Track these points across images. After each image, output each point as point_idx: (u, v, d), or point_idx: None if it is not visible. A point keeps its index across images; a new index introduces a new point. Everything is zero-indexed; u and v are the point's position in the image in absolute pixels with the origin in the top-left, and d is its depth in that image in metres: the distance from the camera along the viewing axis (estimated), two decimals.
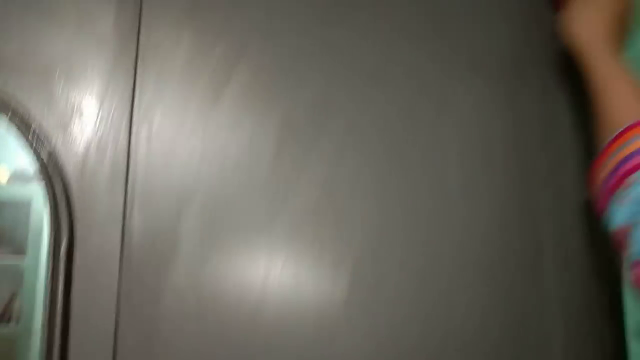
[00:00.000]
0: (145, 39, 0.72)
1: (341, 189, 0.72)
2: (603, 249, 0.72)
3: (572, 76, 0.73)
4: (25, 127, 0.69)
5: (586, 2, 0.66)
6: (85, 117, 0.70)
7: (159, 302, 0.67)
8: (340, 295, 0.69)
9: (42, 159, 0.68)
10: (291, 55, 0.74)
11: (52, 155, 0.68)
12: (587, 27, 0.65)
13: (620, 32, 0.66)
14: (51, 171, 0.67)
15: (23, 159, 2.54)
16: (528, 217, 0.74)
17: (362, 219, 0.72)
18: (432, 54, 0.76)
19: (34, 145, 0.68)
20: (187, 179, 0.70)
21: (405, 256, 0.72)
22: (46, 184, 0.68)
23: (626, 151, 0.56)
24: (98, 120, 0.70)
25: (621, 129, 0.58)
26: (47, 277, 0.66)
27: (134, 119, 0.70)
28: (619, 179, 0.56)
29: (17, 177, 2.59)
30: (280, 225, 0.70)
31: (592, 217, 0.67)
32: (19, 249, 2.58)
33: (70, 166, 0.69)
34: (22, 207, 2.62)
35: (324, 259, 0.70)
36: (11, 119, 0.69)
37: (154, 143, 0.70)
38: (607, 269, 0.73)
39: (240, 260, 0.69)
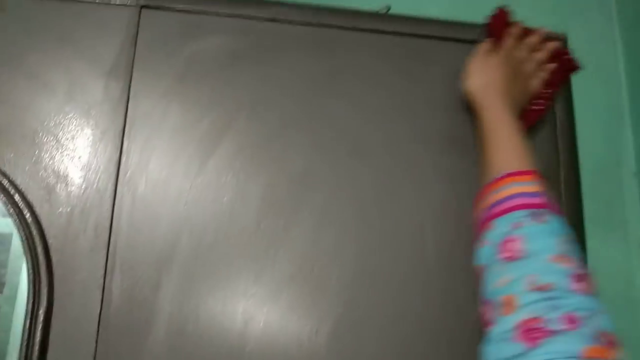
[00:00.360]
0: (134, 108, 0.74)
1: (320, 261, 0.73)
2: None
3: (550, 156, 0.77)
4: (7, 194, 0.70)
5: (482, 61, 0.75)
6: (70, 184, 0.71)
7: None
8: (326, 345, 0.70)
9: (24, 226, 0.69)
10: (276, 127, 0.77)
11: (34, 220, 0.69)
12: (480, 81, 0.73)
13: (513, 88, 0.73)
14: (33, 236, 0.68)
15: None
16: None
17: (340, 291, 0.73)
18: (412, 130, 0.79)
19: (17, 212, 0.69)
20: (169, 247, 0.71)
21: (381, 327, 0.73)
22: (27, 249, 0.68)
23: (496, 197, 0.62)
24: (83, 187, 0.72)
25: (495, 177, 0.64)
26: (22, 341, 0.66)
27: (119, 186, 0.72)
28: (486, 221, 0.62)
29: None
30: (259, 293, 0.71)
31: None
32: None
33: (53, 231, 0.70)
34: (2, 241, 2.59)
35: (302, 327, 0.71)
36: None
37: (138, 210, 0.72)
38: None
39: (218, 328, 0.70)
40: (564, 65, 0.80)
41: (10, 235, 2.64)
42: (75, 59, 0.75)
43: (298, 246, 0.74)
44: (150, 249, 0.71)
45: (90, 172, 0.72)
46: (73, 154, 0.72)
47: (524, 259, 0.54)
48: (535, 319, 0.49)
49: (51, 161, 0.72)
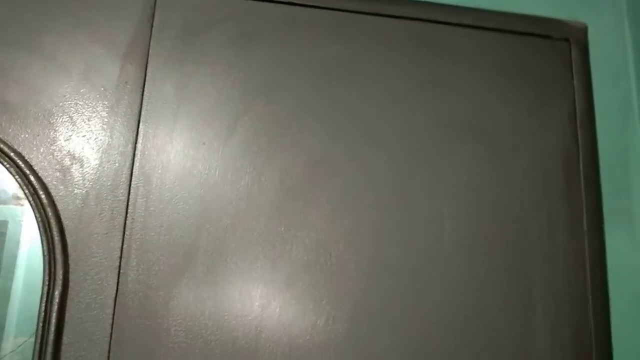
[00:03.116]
0: (150, 91, 0.74)
1: (337, 247, 0.73)
2: (597, 310, 0.75)
3: (566, 141, 0.77)
4: (24, 174, 0.69)
5: None
6: (86, 165, 0.71)
7: (152, 353, 0.66)
8: (334, 351, 0.70)
9: (39, 207, 0.68)
10: (293, 112, 0.76)
11: (50, 202, 0.68)
12: None
13: None
14: (48, 219, 0.68)
15: (1, 180, 2.51)
16: (521, 277, 0.76)
17: (357, 277, 0.73)
18: (429, 117, 0.79)
19: (32, 192, 0.69)
20: (186, 231, 0.71)
21: (399, 314, 0.73)
22: (42, 231, 0.68)
23: None
24: (99, 169, 0.71)
25: None
26: (38, 322, 0.65)
27: (135, 169, 0.71)
28: None
29: None
30: (276, 279, 0.71)
31: (584, 280, 0.70)
32: None
33: (68, 214, 0.69)
34: None
35: (318, 314, 0.71)
36: (9, 166, 0.69)
37: (154, 194, 0.71)
38: (597, 333, 0.75)
39: (235, 312, 0.70)
40: None
41: (5, 223, 2.63)
42: (91, 42, 0.74)
43: (315, 232, 0.73)
44: (167, 233, 0.71)
45: (106, 154, 0.71)
46: (88, 136, 0.72)
47: None
48: None
49: (66, 142, 0.71)
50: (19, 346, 2.41)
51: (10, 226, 2.54)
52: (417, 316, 0.73)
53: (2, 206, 2.52)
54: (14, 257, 2.52)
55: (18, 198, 2.47)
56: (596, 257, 0.78)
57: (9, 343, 2.41)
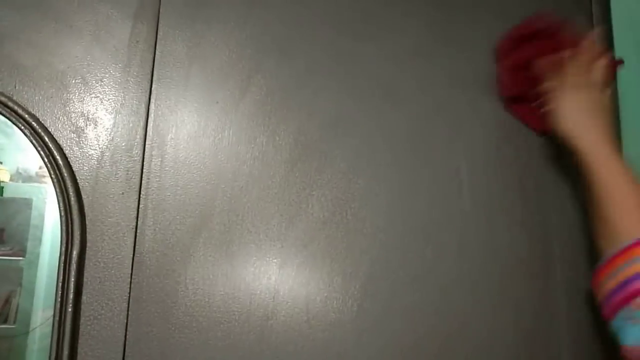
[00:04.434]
0: (162, 51, 0.73)
1: (353, 206, 0.72)
2: None
3: None
4: (38, 136, 0.69)
5: (573, 99, 0.65)
6: (100, 127, 0.70)
7: (170, 311, 0.67)
8: (351, 308, 0.70)
9: (55, 168, 0.68)
10: (306, 70, 0.75)
11: (65, 163, 0.68)
12: (586, 128, 0.64)
13: (606, 123, 0.65)
14: (64, 179, 0.68)
15: (25, 159, 2.55)
16: (539, 233, 0.74)
17: (374, 235, 0.72)
18: (446, 74, 0.77)
19: (47, 153, 0.68)
20: (201, 191, 0.70)
21: (417, 271, 0.72)
22: (58, 192, 0.68)
23: (633, 269, 0.55)
24: (113, 129, 0.70)
25: (626, 244, 0.56)
26: (57, 282, 0.66)
27: (149, 130, 0.71)
28: (628, 295, 0.55)
29: (18, 176, 2.60)
30: (292, 237, 0.70)
31: None
32: (19, 248, 2.57)
33: (84, 174, 0.69)
34: (22, 206, 2.62)
35: (335, 272, 0.71)
36: (24, 128, 0.69)
37: (169, 153, 0.71)
38: None
39: (251, 271, 0.70)
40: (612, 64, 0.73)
41: (30, 200, 2.66)
42: (101, 2, 0.73)
43: (331, 191, 0.72)
44: (183, 192, 0.70)
45: (120, 115, 0.71)
46: (102, 96, 0.71)
47: None
48: None
49: (80, 103, 0.71)
50: (48, 319, 2.48)
51: (35, 203, 2.60)
52: (435, 273, 0.72)
53: (26, 184, 2.57)
54: (39, 234, 2.57)
55: (41, 176, 2.51)
56: None
57: (38, 316, 2.48)
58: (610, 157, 0.61)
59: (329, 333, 0.69)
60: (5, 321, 2.51)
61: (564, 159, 0.76)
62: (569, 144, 0.65)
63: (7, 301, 2.57)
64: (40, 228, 2.62)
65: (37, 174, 2.54)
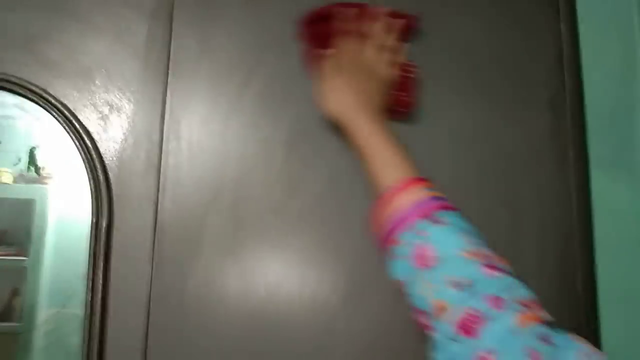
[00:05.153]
0: (176, 48, 0.83)
1: (346, 179, 0.82)
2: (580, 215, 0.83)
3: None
4: (69, 123, 0.78)
5: (332, 79, 0.72)
6: (123, 114, 0.80)
7: (188, 272, 0.76)
8: (343, 285, 0.79)
9: (84, 150, 0.78)
10: (298, 62, 0.84)
11: (93, 146, 0.78)
12: (338, 101, 0.70)
13: (372, 91, 0.71)
14: (93, 160, 0.77)
15: (25, 162, 2.62)
16: (510, 204, 0.84)
17: (364, 212, 0.82)
18: (431, 56, 0.86)
19: (77, 137, 0.78)
20: (212, 168, 0.80)
21: None
22: (89, 171, 0.77)
23: (392, 211, 0.62)
24: (134, 117, 0.80)
25: (387, 191, 0.63)
26: (89, 250, 0.75)
27: (166, 116, 0.81)
28: (389, 236, 0.62)
29: (21, 178, 2.66)
30: (294, 206, 0.80)
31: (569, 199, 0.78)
32: (22, 248, 2.64)
33: (109, 155, 0.79)
34: (25, 207, 2.69)
35: (327, 248, 0.80)
36: (57, 116, 0.79)
37: (183, 138, 0.81)
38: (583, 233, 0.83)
39: (259, 234, 0.79)
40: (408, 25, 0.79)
41: (32, 201, 2.74)
42: (121, 4, 0.83)
43: (326, 168, 0.82)
44: (197, 170, 0.80)
45: (140, 103, 0.80)
46: (124, 88, 0.81)
47: (438, 263, 0.56)
48: (468, 312, 0.51)
49: (104, 94, 0.80)
50: (51, 317, 2.55)
51: (37, 205, 2.67)
52: None
53: (28, 185, 2.64)
54: (42, 234, 2.64)
55: (43, 177, 2.59)
56: (579, 185, 0.85)
57: (43, 314, 2.55)
58: (372, 127, 0.68)
59: (319, 310, 0.79)
60: (10, 319, 2.58)
61: (532, 138, 0.86)
62: (335, 122, 0.73)
63: (12, 300, 2.64)
64: (43, 228, 2.69)
65: (39, 175, 2.61)
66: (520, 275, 0.82)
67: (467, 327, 0.51)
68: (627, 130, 0.96)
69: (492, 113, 0.86)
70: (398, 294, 0.79)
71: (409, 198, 0.62)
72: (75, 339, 2.55)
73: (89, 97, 0.80)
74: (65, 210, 2.64)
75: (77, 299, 2.57)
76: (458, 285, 0.54)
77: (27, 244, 2.71)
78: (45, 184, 2.66)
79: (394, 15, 0.79)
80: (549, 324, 0.51)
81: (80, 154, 0.77)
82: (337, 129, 0.74)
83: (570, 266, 0.83)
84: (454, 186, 0.82)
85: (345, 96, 0.70)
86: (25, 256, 2.67)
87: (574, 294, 0.83)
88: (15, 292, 2.65)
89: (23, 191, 2.70)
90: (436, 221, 0.59)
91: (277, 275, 0.79)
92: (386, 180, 0.64)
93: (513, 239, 0.83)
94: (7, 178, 2.64)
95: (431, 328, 0.56)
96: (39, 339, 2.62)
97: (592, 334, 0.82)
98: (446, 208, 0.61)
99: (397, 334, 0.78)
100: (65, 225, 2.63)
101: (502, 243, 0.81)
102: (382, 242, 0.64)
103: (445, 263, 0.56)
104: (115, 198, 0.77)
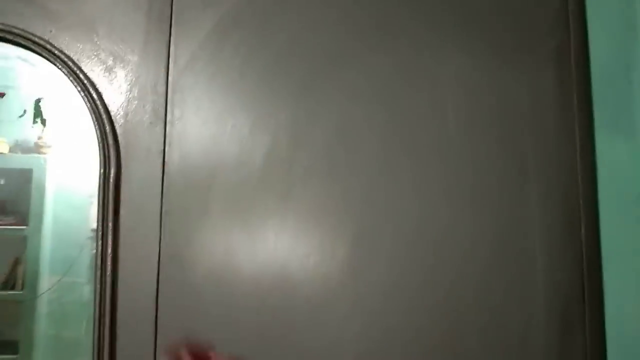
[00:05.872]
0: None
1: (352, 132, 0.82)
2: (585, 180, 0.84)
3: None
4: (74, 74, 0.78)
5: None
6: (127, 66, 0.79)
7: (197, 220, 0.77)
8: (350, 237, 0.80)
9: (90, 101, 0.77)
10: (303, 13, 0.84)
11: (98, 97, 0.78)
12: None
13: None
14: (99, 110, 0.77)
15: (23, 132, 2.59)
16: (515, 153, 0.85)
17: (371, 157, 0.82)
18: (429, 14, 0.86)
19: (83, 88, 0.78)
20: (217, 124, 0.80)
21: (407, 184, 0.82)
22: (95, 122, 0.77)
23: None
24: (139, 68, 0.80)
25: None
26: (98, 200, 0.76)
27: (170, 67, 0.80)
28: None
29: (18, 147, 2.65)
30: (299, 157, 0.80)
31: (574, 150, 0.79)
32: (22, 217, 2.63)
33: (115, 106, 0.78)
34: (23, 177, 2.68)
35: (335, 201, 0.80)
36: (61, 67, 0.78)
37: (188, 88, 0.80)
38: (586, 200, 0.84)
39: (264, 181, 0.80)
40: None
41: (30, 171, 2.73)
42: None
43: (330, 120, 0.82)
44: (202, 119, 0.80)
45: (144, 54, 0.80)
46: (127, 39, 0.80)
47: None
48: None
49: (108, 45, 0.80)
50: (54, 285, 2.57)
51: (35, 174, 2.66)
52: (420, 188, 0.82)
53: (25, 155, 2.63)
54: (41, 203, 2.64)
55: (40, 147, 2.57)
56: (584, 138, 0.86)
57: (45, 282, 2.56)
58: None
59: (321, 280, 0.80)
60: (13, 287, 2.59)
61: (538, 93, 0.86)
62: None
63: (14, 268, 2.65)
64: (41, 197, 2.68)
65: (36, 144, 2.58)
66: (523, 221, 0.84)
67: None
68: (625, 89, 0.96)
69: (497, 62, 0.85)
70: (408, 240, 0.81)
71: None
72: (77, 306, 2.58)
73: (93, 49, 0.79)
74: (65, 180, 2.64)
75: (78, 267, 2.59)
76: None
77: (26, 213, 2.71)
78: (44, 153, 2.64)
79: None
80: None
81: (86, 104, 0.77)
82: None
83: (575, 213, 0.84)
84: (459, 135, 0.83)
85: None
86: (24, 225, 2.66)
87: (577, 244, 0.84)
88: (17, 261, 2.66)
89: (20, 161, 2.68)
90: None
91: (285, 229, 0.80)
92: None
93: (518, 187, 0.84)
94: (3, 147, 2.62)
95: None
96: (42, 307, 2.64)
97: (594, 282, 0.84)
98: None
99: (408, 279, 0.80)
100: (64, 195, 2.63)
101: (506, 191, 0.83)
102: None
103: None
104: (122, 149, 0.77)
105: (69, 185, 2.57)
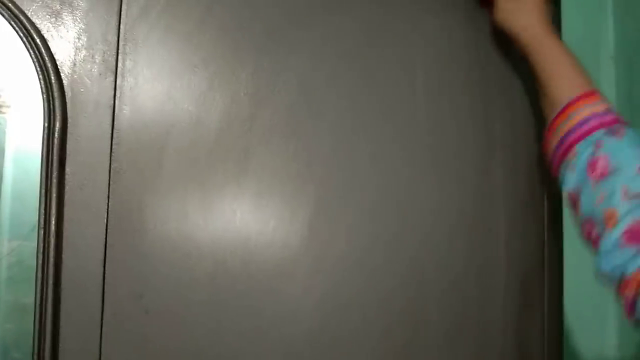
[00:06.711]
0: None
1: (318, 91, 0.79)
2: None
3: None
4: (16, 18, 0.72)
5: None
6: (76, 11, 0.74)
7: (149, 179, 0.73)
8: (313, 199, 0.77)
9: (33, 47, 0.71)
10: None
11: (43, 44, 0.72)
12: (521, 15, 0.72)
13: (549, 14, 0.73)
14: (43, 59, 0.71)
15: None
16: (483, 118, 0.83)
17: (335, 120, 0.79)
18: None
19: (25, 34, 0.72)
20: (172, 69, 0.75)
21: (373, 146, 0.79)
22: (39, 72, 0.72)
23: (569, 124, 0.65)
24: (88, 15, 0.74)
25: (563, 106, 0.66)
26: (42, 158, 0.71)
27: (123, 15, 0.75)
28: (566, 149, 0.65)
29: None
30: (262, 115, 0.77)
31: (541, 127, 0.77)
32: None
33: (62, 55, 0.73)
34: None
35: (299, 162, 0.77)
36: (4, 10, 0.72)
37: (141, 38, 0.75)
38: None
39: (222, 139, 0.76)
40: None
41: None
42: None
43: (296, 75, 0.78)
44: (156, 72, 0.75)
45: (93, 3, 0.74)
46: None
47: (614, 173, 0.59)
48: (637, 223, 0.54)
49: None
50: (13, 250, 2.49)
51: None
52: (386, 150, 0.79)
53: None
54: (0, 166, 2.54)
55: None
56: None
57: (4, 246, 2.49)
58: (549, 46, 0.70)
59: (280, 252, 0.77)
60: None
61: (510, 50, 0.84)
62: (512, 36, 0.74)
63: None
64: (0, 160, 2.58)
65: None
66: (488, 190, 0.82)
67: (635, 237, 0.54)
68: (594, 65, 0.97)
69: (470, 31, 0.82)
70: (371, 207, 0.78)
71: (589, 109, 0.64)
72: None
73: None
74: (26, 142, 2.54)
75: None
76: (632, 196, 0.56)
77: None
78: (3, 113, 2.53)
79: None
80: None
81: (29, 52, 0.71)
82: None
83: (539, 183, 0.83)
84: (428, 101, 0.80)
85: (529, 13, 0.71)
86: None
87: (540, 213, 0.84)
88: None
89: None
90: (614, 133, 0.61)
91: (243, 191, 0.76)
92: (566, 93, 0.66)
93: (484, 156, 0.82)
94: None
95: (597, 238, 0.59)
96: (2, 271, 2.56)
97: (554, 251, 0.83)
98: (622, 122, 0.64)
99: (370, 246, 0.78)
100: (25, 157, 2.54)
101: (473, 159, 0.81)
102: (559, 156, 0.67)
103: (620, 175, 0.58)
104: (68, 102, 0.72)
105: (30, 147, 2.48)
